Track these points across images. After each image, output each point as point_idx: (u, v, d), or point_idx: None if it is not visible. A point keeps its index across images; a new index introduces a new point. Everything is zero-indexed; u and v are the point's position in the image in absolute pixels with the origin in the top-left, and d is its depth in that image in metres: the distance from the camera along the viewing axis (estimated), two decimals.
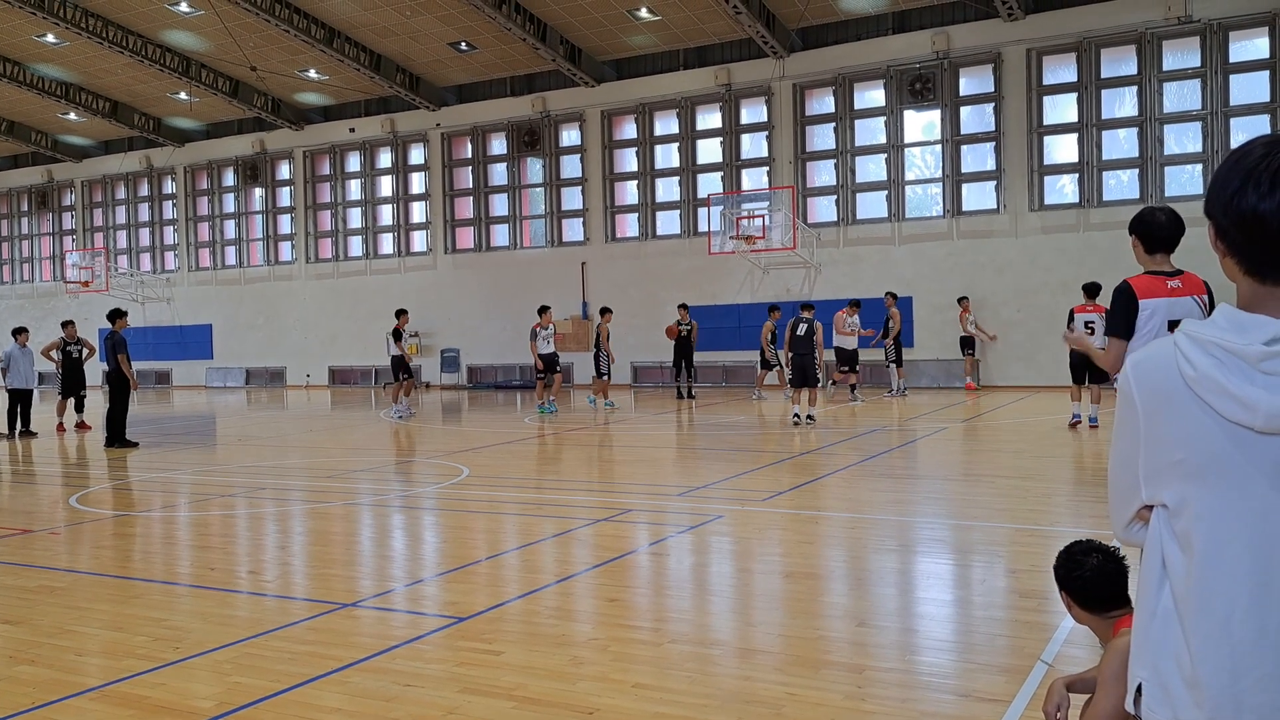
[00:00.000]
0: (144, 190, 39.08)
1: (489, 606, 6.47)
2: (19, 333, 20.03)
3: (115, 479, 13.24)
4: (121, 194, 39.62)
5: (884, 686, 4.91)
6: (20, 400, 19.44)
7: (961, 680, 5.00)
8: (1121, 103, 24.71)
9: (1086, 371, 15.56)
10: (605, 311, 22.94)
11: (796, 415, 17.62)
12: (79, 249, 39.53)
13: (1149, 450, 1.80)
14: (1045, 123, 25.26)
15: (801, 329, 17.54)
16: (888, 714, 4.56)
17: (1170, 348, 1.76)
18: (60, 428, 20.10)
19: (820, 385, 18.20)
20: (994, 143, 25.72)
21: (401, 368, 21.55)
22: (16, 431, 19.26)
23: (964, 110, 26.17)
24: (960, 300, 24.32)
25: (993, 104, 25.69)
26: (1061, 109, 25.23)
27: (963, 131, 26.14)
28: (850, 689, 4.85)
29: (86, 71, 32.54)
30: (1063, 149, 25.29)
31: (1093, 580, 3.47)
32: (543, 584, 7.13)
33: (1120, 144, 24.70)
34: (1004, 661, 5.22)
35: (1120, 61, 24.53)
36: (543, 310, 21.46)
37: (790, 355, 17.68)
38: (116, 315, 17.52)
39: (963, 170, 26.16)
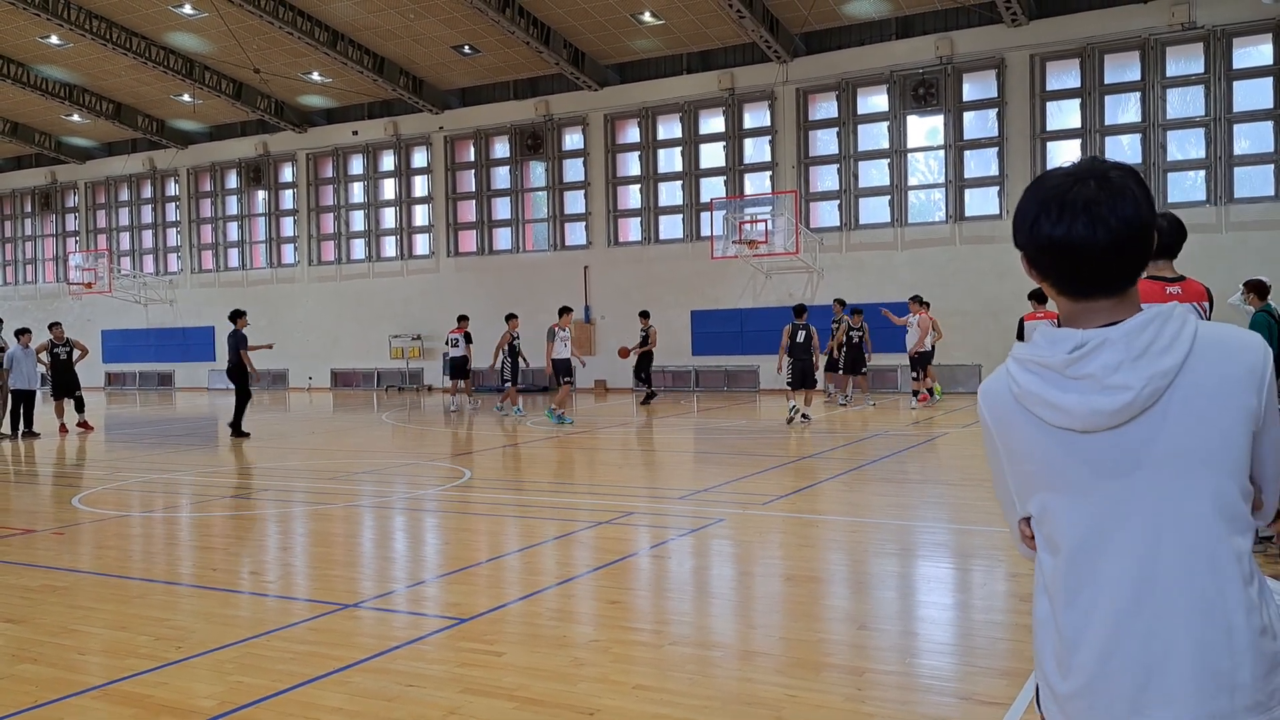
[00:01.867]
0: (147, 192, 39.12)
1: (490, 608, 6.49)
2: (22, 333, 20.02)
3: (117, 480, 13.25)
4: (125, 196, 39.67)
5: (884, 689, 4.92)
6: (23, 401, 19.45)
7: (962, 683, 5.01)
8: (1125, 109, 24.73)
9: None
10: (512, 317, 22.34)
11: (794, 411, 18.37)
12: (82, 250, 39.59)
13: (1009, 468, 1.98)
14: (1048, 128, 25.28)
15: (800, 335, 18.32)
16: (888, 716, 4.57)
17: (1004, 372, 1.94)
18: (63, 429, 20.11)
19: (818, 387, 18.71)
20: (997, 148, 25.74)
21: (467, 368, 23.59)
22: (19, 432, 19.27)
23: (967, 115, 26.20)
24: (924, 303, 22.65)
25: (996, 109, 25.71)
26: (1065, 114, 25.25)
27: (966, 137, 26.16)
28: (850, 691, 4.86)
29: (90, 73, 32.59)
30: (1066, 155, 25.28)
31: None
32: (544, 586, 7.14)
33: (1123, 150, 24.71)
34: (1004, 665, 5.23)
35: (1124, 67, 24.54)
36: (564, 311, 20.43)
37: (790, 360, 18.26)
38: (238, 315, 19.21)
39: (965, 175, 26.18)
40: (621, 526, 9.23)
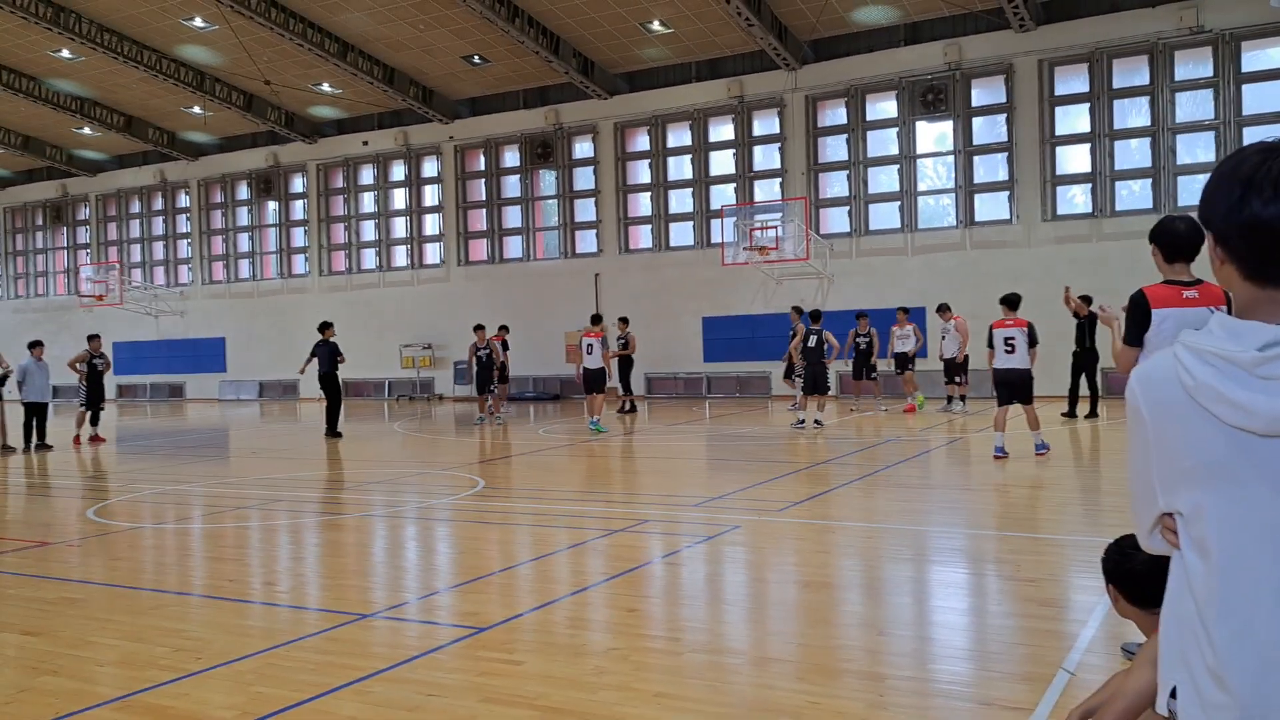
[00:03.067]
0: (158, 204, 39.27)
1: (508, 617, 6.48)
2: (35, 346, 20.11)
3: (131, 491, 13.28)
4: (136, 208, 39.83)
5: (904, 695, 4.90)
6: (36, 413, 19.50)
7: (982, 689, 5.00)
8: (1134, 113, 24.68)
9: (1008, 391, 13.76)
10: (480, 328, 23.38)
11: (802, 422, 18.46)
12: (93, 262, 39.75)
13: (1160, 460, 1.83)
14: (1057, 133, 25.25)
15: (812, 340, 18.40)
16: None
17: (1171, 359, 1.80)
18: (76, 440, 20.17)
19: (830, 392, 18.78)
20: (1006, 153, 25.71)
21: (506, 374, 24.33)
22: (32, 444, 19.31)
23: (976, 121, 26.18)
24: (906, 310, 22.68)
25: (1005, 114, 25.69)
26: (1073, 119, 25.22)
27: (975, 142, 26.14)
28: (872, 697, 4.84)
29: (101, 86, 32.74)
30: (1075, 159, 25.26)
31: (1144, 574, 3.30)
32: (561, 594, 7.14)
33: (1133, 154, 24.68)
34: (1025, 670, 5.21)
35: (1132, 72, 24.51)
36: (598, 320, 22.05)
37: (803, 364, 18.27)
38: (326, 326, 20.60)
39: (975, 181, 26.16)
40: (636, 534, 9.23)
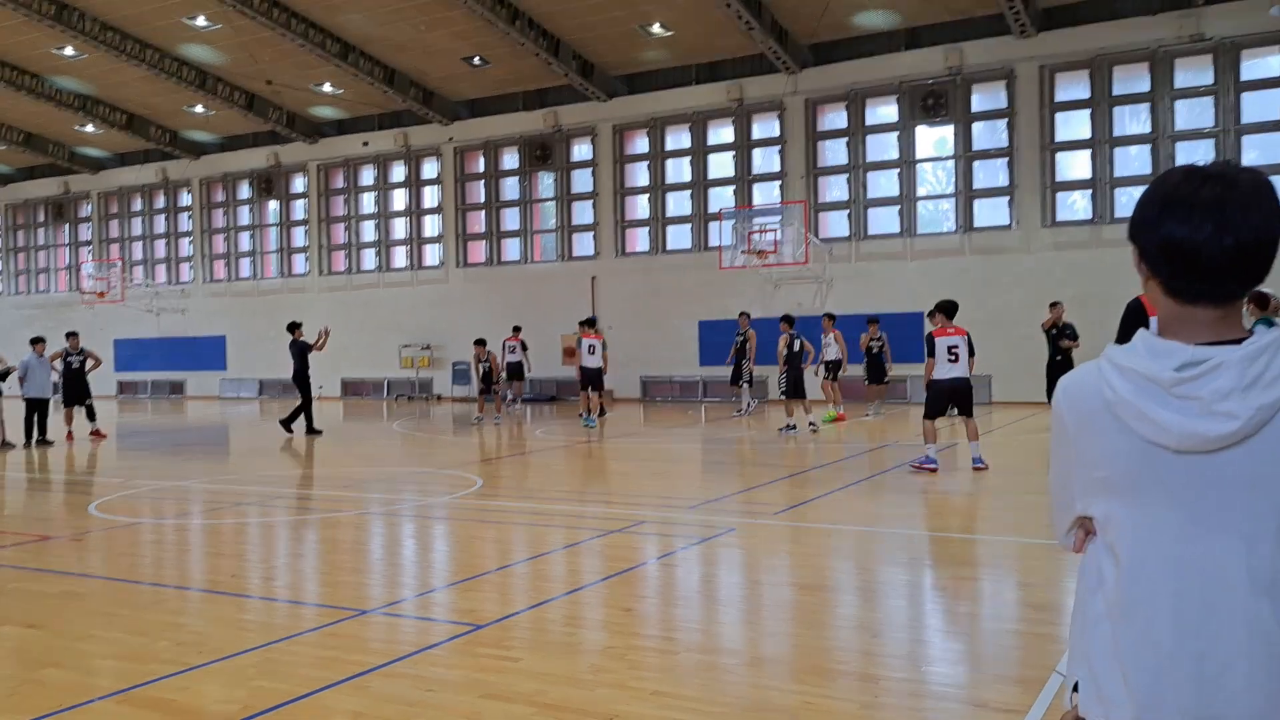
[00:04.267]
0: (159, 202, 39.32)
1: (506, 615, 6.54)
2: (37, 342, 20.15)
3: (132, 487, 13.33)
4: (137, 206, 39.88)
5: (899, 696, 4.96)
6: (37, 409, 19.55)
7: (976, 690, 5.05)
8: (1134, 120, 24.77)
9: (950, 401, 13.44)
10: (479, 343, 23.61)
11: (793, 426, 18.39)
12: (95, 260, 39.79)
13: (1080, 467, 1.93)
14: (1058, 139, 25.33)
15: (796, 345, 18.52)
16: None
17: (1096, 372, 1.88)
18: (70, 436, 20.20)
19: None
20: (1006, 159, 25.78)
21: (523, 372, 25.93)
22: (33, 440, 19.36)
23: (976, 126, 26.25)
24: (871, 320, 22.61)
25: (1005, 120, 25.76)
26: (1074, 125, 25.29)
27: (975, 147, 26.20)
28: (866, 698, 4.90)
29: (104, 84, 32.78)
30: (1075, 165, 25.34)
31: None
32: (558, 593, 7.20)
33: (1132, 161, 24.75)
34: (1018, 673, 5.27)
35: (1133, 79, 24.59)
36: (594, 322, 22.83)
37: (786, 369, 18.31)
38: (294, 326, 20.96)
39: (975, 186, 26.23)
40: (632, 535, 9.28)
